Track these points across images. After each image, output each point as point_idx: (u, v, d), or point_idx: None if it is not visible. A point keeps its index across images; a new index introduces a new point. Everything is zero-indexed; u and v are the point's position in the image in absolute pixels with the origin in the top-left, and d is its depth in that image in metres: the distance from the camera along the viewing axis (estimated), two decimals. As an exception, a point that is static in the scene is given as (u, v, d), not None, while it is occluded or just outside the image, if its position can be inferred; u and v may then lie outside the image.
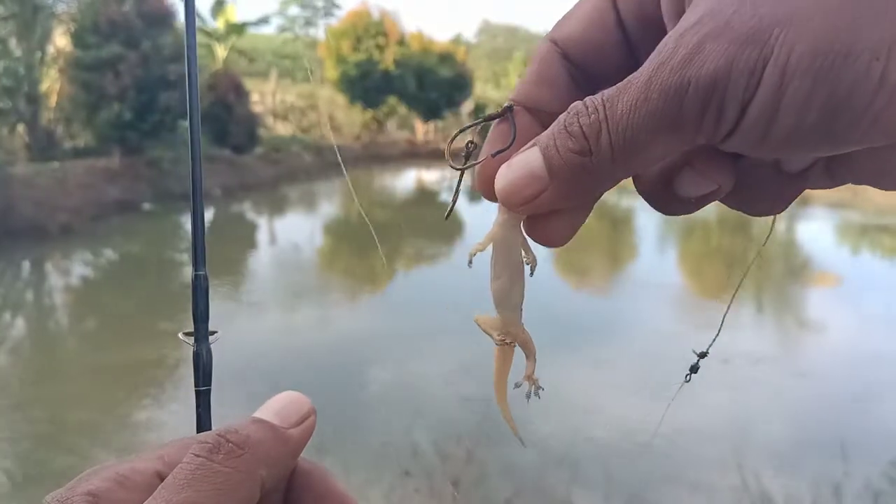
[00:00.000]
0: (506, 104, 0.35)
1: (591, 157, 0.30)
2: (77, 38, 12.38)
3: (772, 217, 0.36)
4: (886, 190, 0.32)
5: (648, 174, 0.33)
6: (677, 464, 4.30)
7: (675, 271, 10.05)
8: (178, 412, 4.84)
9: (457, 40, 28.66)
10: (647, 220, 13.57)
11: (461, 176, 0.36)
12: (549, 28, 0.36)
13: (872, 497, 3.80)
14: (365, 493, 3.61)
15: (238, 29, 18.58)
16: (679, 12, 0.30)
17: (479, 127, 0.36)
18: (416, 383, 5.17)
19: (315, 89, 23.41)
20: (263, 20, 20.25)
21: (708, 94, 0.27)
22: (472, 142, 0.36)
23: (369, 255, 9.99)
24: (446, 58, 23.78)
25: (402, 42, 23.06)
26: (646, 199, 0.34)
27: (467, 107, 24.97)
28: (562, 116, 0.31)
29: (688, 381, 0.41)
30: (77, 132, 13.48)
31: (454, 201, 0.38)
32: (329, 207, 15.05)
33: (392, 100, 23.39)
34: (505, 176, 0.33)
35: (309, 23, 26.61)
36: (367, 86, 22.08)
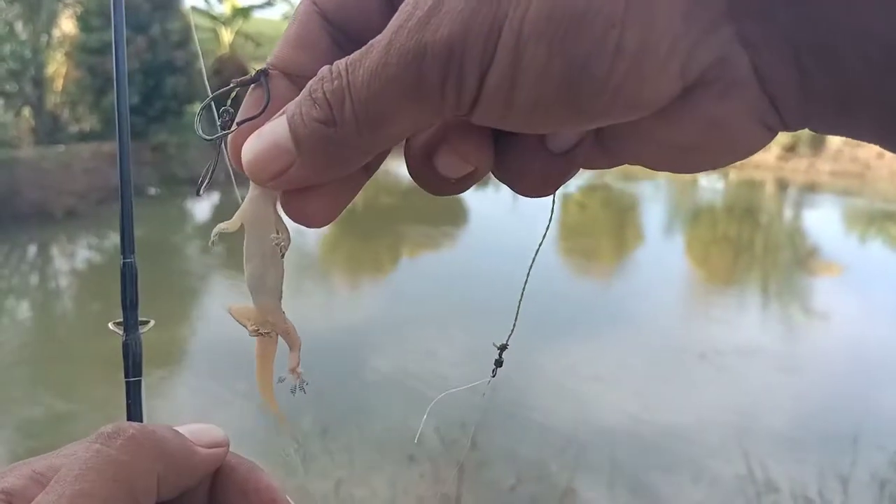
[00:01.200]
0: (260, 68, 0.32)
1: (335, 127, 0.28)
2: (83, 22, 12.34)
3: (551, 198, 0.33)
4: (660, 170, 0.29)
5: (413, 152, 0.31)
6: (682, 451, 4.29)
7: (681, 258, 10.02)
8: (182, 395, 4.86)
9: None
10: (653, 206, 13.54)
11: (219, 148, 0.33)
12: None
13: (879, 486, 3.79)
14: (369, 479, 3.62)
15: (244, 13, 18.51)
16: None
17: (233, 92, 0.33)
18: (420, 369, 5.17)
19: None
20: (269, 4, 20.17)
21: (445, 59, 0.25)
22: (227, 109, 0.33)
23: (374, 240, 9.98)
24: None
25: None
26: (413, 179, 0.32)
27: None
28: (310, 83, 0.29)
29: (494, 377, 0.39)
30: (83, 116, 13.47)
31: (208, 174, 0.35)
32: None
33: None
34: (251, 148, 0.30)
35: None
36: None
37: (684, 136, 0.27)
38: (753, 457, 3.90)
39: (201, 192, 0.36)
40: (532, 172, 0.31)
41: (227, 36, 18.05)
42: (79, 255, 9.24)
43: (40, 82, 12.75)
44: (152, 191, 11.84)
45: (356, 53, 0.27)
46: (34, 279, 8.32)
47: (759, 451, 4.04)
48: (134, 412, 0.42)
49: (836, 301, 7.77)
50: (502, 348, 0.38)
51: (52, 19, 13.01)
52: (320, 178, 0.30)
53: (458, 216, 12.11)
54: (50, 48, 13.13)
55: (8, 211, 9.36)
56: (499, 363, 0.38)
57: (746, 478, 3.81)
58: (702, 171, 0.29)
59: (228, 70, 15.16)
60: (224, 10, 18.38)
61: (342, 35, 0.32)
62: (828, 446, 4.28)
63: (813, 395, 5.26)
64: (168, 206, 11.57)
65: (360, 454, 3.83)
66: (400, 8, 0.26)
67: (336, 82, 0.27)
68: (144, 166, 12.06)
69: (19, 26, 12.70)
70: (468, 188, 0.32)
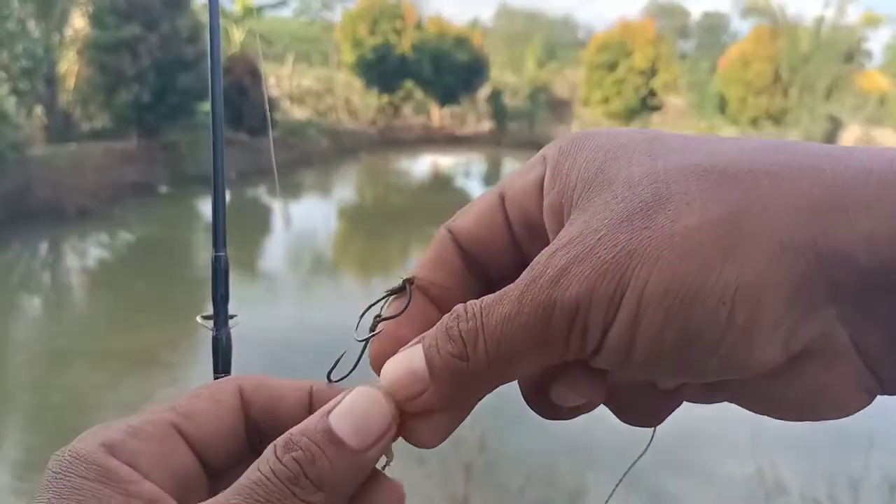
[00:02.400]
0: (406, 277, 0.37)
1: (468, 362, 0.31)
2: (95, 19, 12.39)
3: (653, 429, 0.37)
4: (760, 414, 0.33)
5: (529, 381, 0.35)
6: (693, 453, 4.28)
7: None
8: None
9: (473, 24, 28.50)
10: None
11: (363, 348, 0.37)
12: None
13: (889, 490, 3.77)
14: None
15: (255, 12, 18.56)
16: (559, 225, 0.32)
17: (387, 301, 0.37)
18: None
19: (331, 73, 23.34)
20: (281, 3, 20.23)
21: (572, 315, 0.29)
22: (379, 316, 0.37)
23: (383, 239, 9.98)
24: (463, 41, 23.65)
25: (419, 26, 22.96)
26: (527, 403, 0.36)
27: (484, 91, 24.85)
28: (445, 317, 0.32)
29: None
30: (95, 114, 13.53)
31: (356, 364, 0.38)
32: (344, 192, 15.07)
33: (408, 84, 23.33)
34: (390, 371, 0.33)
35: (326, 6, 26.54)
36: (383, 70, 22.02)
37: (787, 394, 0.30)
38: (764, 459, 3.88)
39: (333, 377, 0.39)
40: (640, 407, 0.36)
41: (237, 35, 18.10)
42: (90, 253, 9.28)
43: (52, 80, 12.81)
44: (163, 189, 11.89)
45: (490, 298, 0.31)
46: (46, 276, 8.37)
47: (770, 454, 4.03)
48: None
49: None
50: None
51: (64, 17, 13.07)
52: (447, 406, 0.33)
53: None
54: (62, 46, 13.19)
55: (20, 208, 9.41)
56: None
57: (756, 479, 3.79)
58: (802, 420, 0.32)
59: (238, 68, 15.18)
60: (235, 8, 18.44)
61: (472, 260, 0.36)
62: (840, 449, 4.26)
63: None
64: (178, 204, 11.62)
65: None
66: (531, 264, 0.30)
67: (471, 323, 0.31)
68: (156, 164, 12.11)
69: (32, 24, 12.76)
70: (581, 414, 0.35)
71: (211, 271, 0.44)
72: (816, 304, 0.27)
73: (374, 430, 0.33)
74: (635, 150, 0.31)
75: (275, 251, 9.81)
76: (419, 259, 0.37)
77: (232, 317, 0.44)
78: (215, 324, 0.44)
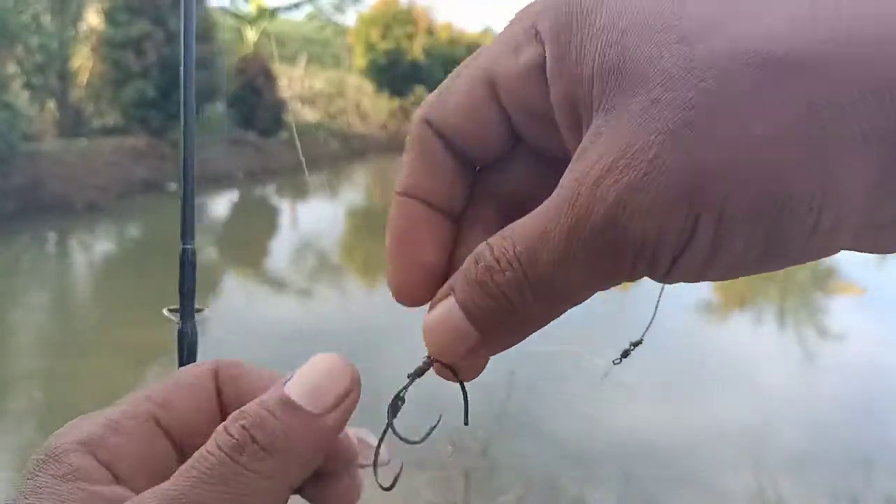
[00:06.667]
0: (425, 358, 0.33)
1: (516, 312, 0.28)
2: (109, 16, 12.43)
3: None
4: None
5: None
6: (694, 467, 4.26)
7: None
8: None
9: (486, 32, 28.53)
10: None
11: (387, 427, 0.35)
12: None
13: (891, 509, 3.75)
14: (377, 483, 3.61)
15: (269, 13, 18.61)
16: (574, 120, 0.28)
17: (411, 384, 0.35)
18: (433, 373, 5.16)
19: (343, 76, 23.38)
20: (295, 5, 20.26)
21: (636, 251, 0.26)
22: (401, 398, 0.35)
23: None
24: (475, 49, 23.58)
25: (430, 31, 23.01)
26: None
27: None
28: (469, 263, 0.29)
29: (617, 364, 0.43)
30: (106, 110, 13.58)
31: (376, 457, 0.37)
32: (352, 194, 15.07)
33: (419, 89, 23.35)
34: (434, 341, 0.31)
35: (338, 9, 26.59)
36: (394, 74, 22.06)
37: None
38: (765, 475, 3.86)
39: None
40: None
41: (251, 35, 18.15)
42: (97, 248, 9.31)
43: (65, 76, 12.86)
44: (171, 186, 11.92)
45: (525, 239, 0.27)
46: (53, 267, 8.39)
47: (772, 470, 4.01)
48: None
49: (853, 322, 7.70)
50: (636, 344, 0.42)
51: (79, 13, 13.13)
52: (504, 349, 0.31)
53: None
54: (76, 42, 13.25)
55: (30, 201, 9.45)
56: (626, 354, 0.42)
57: (757, 495, 3.77)
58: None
59: (252, 69, 15.23)
60: (249, 9, 18.50)
61: (460, 157, 0.33)
62: (843, 468, 4.24)
63: (828, 417, 5.21)
64: (187, 203, 11.66)
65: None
66: (567, 194, 0.26)
67: (509, 274, 0.28)
68: (165, 162, 12.14)
69: (47, 19, 12.82)
70: None
71: (179, 264, 0.44)
72: (893, 191, 0.25)
73: (333, 393, 0.32)
74: (661, 29, 0.25)
75: (280, 251, 9.82)
76: (405, 167, 0.34)
77: (199, 310, 0.44)
78: (181, 316, 0.43)
